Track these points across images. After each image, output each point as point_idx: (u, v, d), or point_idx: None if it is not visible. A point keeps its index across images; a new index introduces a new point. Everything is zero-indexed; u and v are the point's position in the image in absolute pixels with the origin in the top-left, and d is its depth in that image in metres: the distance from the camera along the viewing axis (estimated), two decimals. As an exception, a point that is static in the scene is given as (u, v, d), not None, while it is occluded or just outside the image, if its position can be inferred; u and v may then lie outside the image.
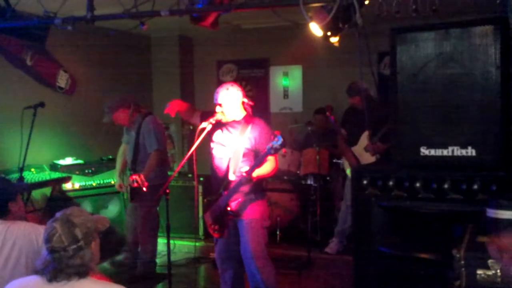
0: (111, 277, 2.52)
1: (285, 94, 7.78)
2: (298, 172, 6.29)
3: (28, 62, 5.84)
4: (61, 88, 6.30)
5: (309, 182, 6.20)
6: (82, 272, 2.15)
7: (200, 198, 6.01)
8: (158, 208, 5.34)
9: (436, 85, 2.94)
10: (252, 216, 3.88)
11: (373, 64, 5.82)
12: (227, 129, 3.96)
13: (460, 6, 4.39)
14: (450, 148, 2.92)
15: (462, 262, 2.26)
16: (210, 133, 3.97)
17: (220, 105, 3.89)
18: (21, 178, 4.79)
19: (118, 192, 5.60)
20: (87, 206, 5.75)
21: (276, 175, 4.71)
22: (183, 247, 5.96)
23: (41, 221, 3.50)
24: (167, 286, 4.05)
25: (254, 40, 7.53)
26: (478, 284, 2.22)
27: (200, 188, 6.06)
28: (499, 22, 2.84)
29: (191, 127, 6.11)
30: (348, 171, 5.62)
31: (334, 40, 3.41)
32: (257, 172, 3.72)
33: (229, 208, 3.85)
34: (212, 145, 4.02)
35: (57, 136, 6.12)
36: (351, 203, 3.54)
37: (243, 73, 7.95)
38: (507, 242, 1.89)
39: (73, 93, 6.46)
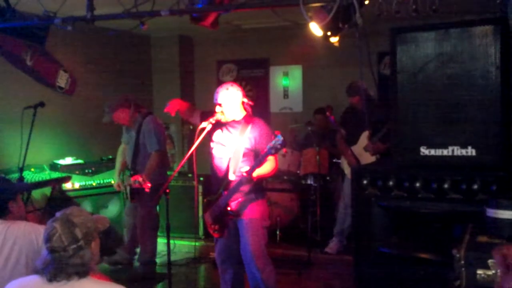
0: (110, 276, 2.52)
1: (285, 94, 7.78)
2: (298, 172, 6.30)
3: (28, 62, 5.84)
4: (61, 88, 6.30)
5: (309, 182, 6.20)
6: (82, 272, 2.15)
7: (200, 198, 6.01)
8: (158, 208, 5.34)
9: (436, 85, 2.94)
10: (252, 216, 3.88)
11: (373, 64, 5.81)
12: (227, 129, 3.96)
13: (460, 6, 4.39)
14: (450, 148, 2.92)
15: (462, 262, 2.26)
16: (210, 133, 3.97)
17: (220, 105, 3.89)
18: (21, 178, 4.80)
19: (118, 192, 5.60)
20: (87, 206, 5.75)
21: (276, 175, 4.71)
22: (183, 247, 5.96)
23: (41, 221, 3.50)
24: (167, 286, 4.06)
25: (254, 40, 7.53)
26: (478, 284, 2.21)
27: (200, 188, 6.06)
28: (499, 22, 2.84)
29: (191, 127, 6.11)
30: (347, 171, 5.62)
31: (334, 40, 3.41)
32: (257, 172, 3.72)
33: (229, 208, 3.85)
34: (212, 145, 4.03)
35: (57, 136, 6.12)
36: (351, 203, 3.53)
37: (243, 73, 7.95)
38: None
39: (73, 93, 6.46)
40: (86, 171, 5.91)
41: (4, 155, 5.40)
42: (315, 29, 3.34)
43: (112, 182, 5.73)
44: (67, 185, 5.62)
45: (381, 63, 6.96)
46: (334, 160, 6.22)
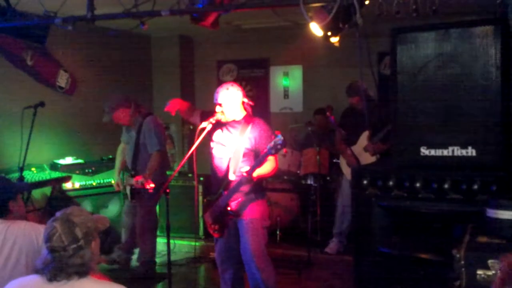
0: (110, 276, 2.53)
1: (285, 94, 7.78)
2: (298, 172, 6.30)
3: (28, 62, 5.84)
4: (61, 88, 6.30)
5: (309, 182, 6.20)
6: (82, 272, 2.15)
7: (200, 198, 6.01)
8: (158, 208, 5.35)
9: (436, 85, 2.94)
10: (252, 216, 3.88)
11: (373, 64, 5.81)
12: (227, 129, 3.96)
13: (461, 7, 4.39)
14: (450, 148, 2.92)
15: (462, 262, 2.26)
16: (210, 133, 3.97)
17: (220, 104, 3.89)
18: (21, 178, 4.80)
19: (118, 192, 5.60)
20: (87, 206, 5.75)
21: (276, 175, 4.71)
22: (183, 246, 5.96)
23: (41, 221, 3.50)
24: (167, 286, 4.05)
25: (254, 40, 7.53)
26: (478, 284, 2.22)
27: (200, 188, 6.06)
28: (500, 22, 2.85)
29: (191, 127, 6.11)
30: (345, 171, 5.62)
31: (335, 40, 3.41)
32: (258, 172, 3.72)
33: (229, 208, 3.85)
34: (212, 144, 4.02)
35: (57, 136, 6.12)
36: (351, 203, 3.54)
37: (243, 73, 7.95)
38: None
39: (73, 92, 6.46)
40: (86, 170, 5.91)
41: (4, 155, 5.40)
42: (316, 29, 3.34)
43: (112, 182, 5.73)
44: (67, 185, 5.62)
45: (381, 63, 6.96)
46: (334, 160, 6.23)
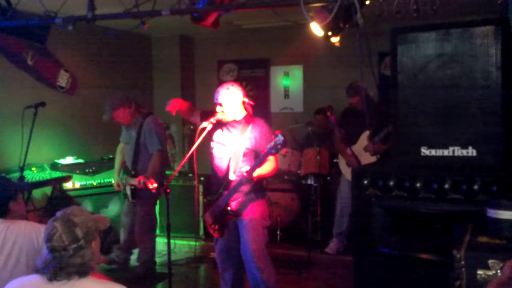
0: (110, 276, 2.53)
1: (286, 94, 7.78)
2: (298, 172, 6.29)
3: (29, 62, 5.84)
4: (61, 88, 6.30)
5: (309, 182, 6.20)
6: (82, 271, 2.15)
7: (201, 198, 6.01)
8: (158, 208, 5.34)
9: (436, 86, 2.94)
10: (252, 215, 3.88)
11: (374, 64, 5.80)
12: (227, 128, 3.96)
13: (461, 7, 4.39)
14: (450, 148, 2.92)
15: (463, 262, 2.26)
16: (211, 133, 3.97)
17: (220, 104, 3.89)
18: (22, 177, 4.80)
19: (118, 192, 5.60)
20: (87, 206, 5.75)
21: (276, 175, 4.70)
22: (183, 246, 5.97)
23: (41, 220, 3.51)
24: (167, 286, 4.05)
25: (255, 40, 7.53)
26: (478, 285, 2.21)
27: (201, 187, 6.06)
28: (500, 22, 2.84)
29: (192, 127, 6.12)
30: (344, 171, 5.62)
31: (335, 40, 3.41)
32: (258, 172, 3.72)
33: (229, 208, 3.85)
34: (212, 144, 4.03)
35: (58, 136, 6.12)
36: (352, 202, 3.53)
37: (244, 73, 7.95)
38: None
39: (74, 92, 6.46)
40: (87, 170, 5.92)
41: (4, 155, 5.40)
42: (316, 29, 3.34)
43: (113, 181, 5.74)
44: (68, 185, 5.63)
45: (382, 63, 6.95)
46: (334, 160, 6.22)
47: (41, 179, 5.11)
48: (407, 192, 2.99)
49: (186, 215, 5.99)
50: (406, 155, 3.05)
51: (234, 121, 3.94)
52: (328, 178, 6.31)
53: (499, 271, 2.13)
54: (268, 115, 7.64)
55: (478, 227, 2.48)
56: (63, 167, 5.76)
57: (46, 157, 5.81)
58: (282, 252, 5.62)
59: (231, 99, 3.88)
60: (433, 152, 2.96)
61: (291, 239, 6.02)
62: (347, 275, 4.78)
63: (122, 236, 5.44)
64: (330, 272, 5.26)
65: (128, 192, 5.12)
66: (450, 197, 2.87)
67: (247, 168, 3.68)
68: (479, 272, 2.21)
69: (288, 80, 7.75)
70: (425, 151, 2.97)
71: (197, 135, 3.87)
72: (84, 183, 5.84)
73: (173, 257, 4.49)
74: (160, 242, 5.42)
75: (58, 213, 2.24)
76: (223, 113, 3.90)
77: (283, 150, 5.13)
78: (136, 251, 5.40)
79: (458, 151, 2.90)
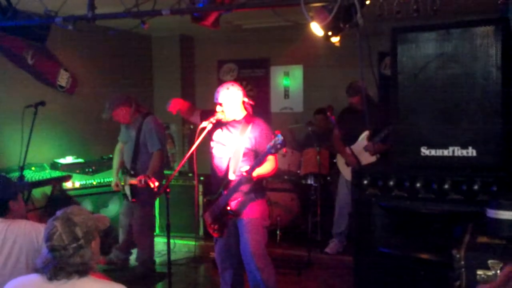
0: (110, 276, 2.53)
1: (286, 94, 7.78)
2: (298, 172, 6.29)
3: (29, 61, 5.84)
4: (61, 87, 6.30)
5: (309, 182, 6.20)
6: (82, 271, 2.15)
7: (200, 198, 6.01)
8: (157, 208, 5.34)
9: (436, 85, 2.95)
10: (252, 215, 3.88)
11: (374, 64, 5.80)
12: (227, 128, 3.96)
13: (461, 7, 4.38)
14: (450, 149, 2.92)
15: (462, 262, 2.26)
16: (211, 133, 3.97)
17: (220, 104, 3.89)
18: (22, 177, 4.80)
19: (118, 191, 5.60)
20: (87, 205, 5.75)
21: (276, 174, 4.71)
22: (183, 246, 5.96)
23: (41, 220, 3.51)
24: (167, 285, 4.05)
25: (255, 40, 7.53)
26: (479, 285, 2.21)
27: (200, 187, 6.06)
28: (500, 22, 2.84)
29: (192, 127, 6.11)
30: (343, 171, 5.61)
31: (335, 40, 3.41)
32: (257, 172, 3.72)
33: (229, 208, 3.85)
34: (212, 144, 4.03)
35: (58, 135, 6.12)
36: (352, 202, 3.53)
37: (244, 72, 7.95)
38: None
39: (74, 92, 6.46)
40: (87, 170, 5.91)
41: (4, 154, 5.40)
42: (316, 29, 3.34)
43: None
44: (68, 184, 5.62)
45: (382, 63, 6.95)
46: (334, 160, 6.22)
47: (41, 178, 5.11)
48: (407, 192, 2.99)
49: (185, 215, 5.98)
50: (406, 155, 3.05)
51: (234, 121, 3.94)
52: (328, 178, 6.31)
53: (498, 271, 2.13)
54: (268, 115, 7.64)
55: (478, 227, 2.48)
56: (63, 166, 5.75)
57: (46, 157, 5.81)
58: (282, 252, 5.62)
59: (231, 99, 3.88)
60: (433, 152, 2.96)
61: (291, 239, 6.02)
62: (347, 275, 4.77)
63: (121, 236, 5.44)
64: (330, 272, 5.26)
65: (128, 191, 5.12)
66: (450, 197, 2.88)
67: (247, 167, 3.68)
68: (479, 272, 2.22)
69: (288, 80, 7.75)
70: (425, 151, 2.97)
71: (197, 135, 3.86)
72: (84, 182, 5.84)
73: (172, 257, 4.49)
74: (160, 242, 5.42)
75: (58, 213, 2.24)
76: (223, 113, 3.90)
77: (283, 150, 5.13)
78: (135, 251, 5.39)
79: (458, 151, 2.90)
